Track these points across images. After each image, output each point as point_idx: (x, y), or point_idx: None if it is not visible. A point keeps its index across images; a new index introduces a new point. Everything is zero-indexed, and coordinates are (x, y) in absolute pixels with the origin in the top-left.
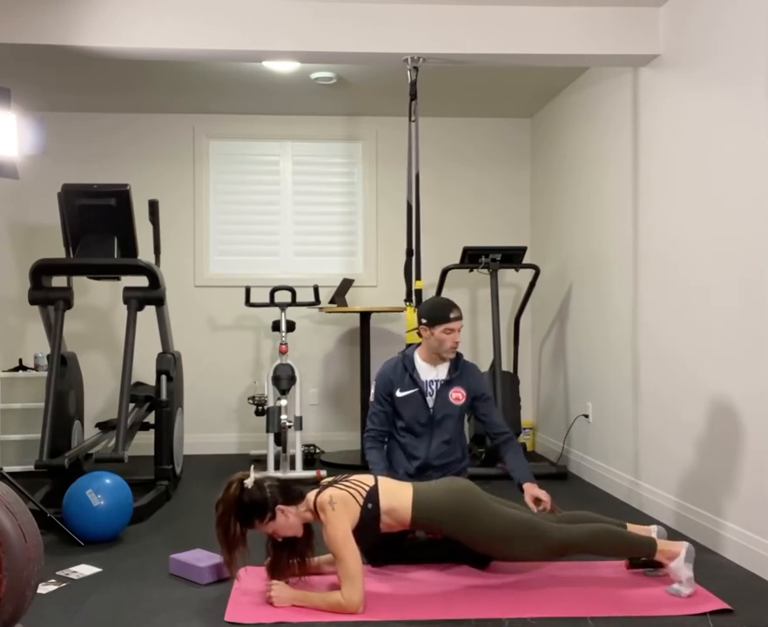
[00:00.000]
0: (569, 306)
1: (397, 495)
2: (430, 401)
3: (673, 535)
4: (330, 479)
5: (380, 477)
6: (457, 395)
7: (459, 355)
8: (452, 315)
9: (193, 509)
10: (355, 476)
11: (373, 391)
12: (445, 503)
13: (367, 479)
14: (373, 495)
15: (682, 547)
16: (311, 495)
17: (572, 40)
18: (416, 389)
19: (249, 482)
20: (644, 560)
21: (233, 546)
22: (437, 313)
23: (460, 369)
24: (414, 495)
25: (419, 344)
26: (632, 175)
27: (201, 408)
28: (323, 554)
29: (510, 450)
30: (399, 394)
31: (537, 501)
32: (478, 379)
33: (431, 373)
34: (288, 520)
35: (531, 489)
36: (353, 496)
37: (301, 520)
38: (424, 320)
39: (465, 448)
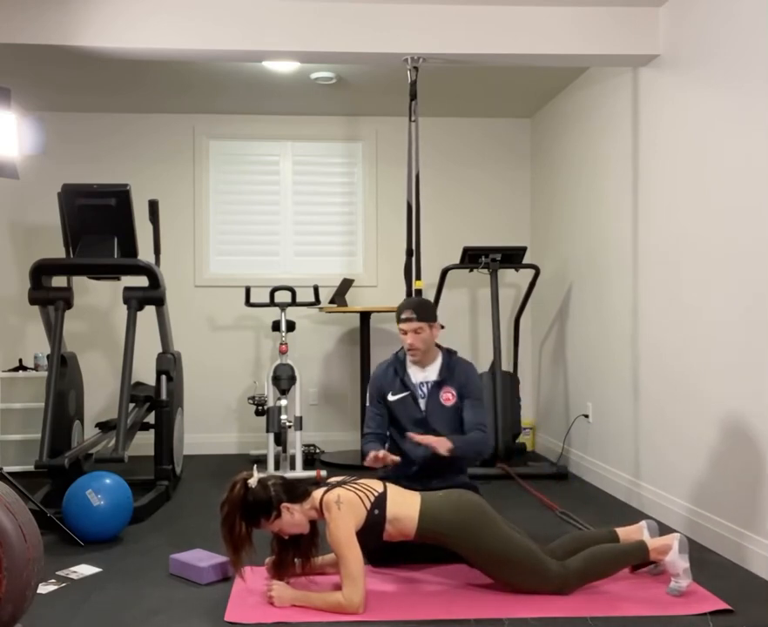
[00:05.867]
0: (569, 306)
1: (404, 505)
2: (422, 403)
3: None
4: (339, 479)
5: (389, 485)
6: (447, 396)
7: (451, 354)
8: (402, 316)
9: (193, 509)
10: (365, 480)
11: (368, 395)
12: (452, 517)
13: (377, 485)
14: (381, 501)
15: (674, 539)
16: (317, 493)
17: (572, 40)
18: (408, 392)
19: (253, 482)
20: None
21: (239, 546)
22: (396, 312)
23: (452, 369)
24: (422, 506)
25: None
26: (632, 175)
27: (201, 408)
28: (327, 553)
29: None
30: (391, 397)
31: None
32: (467, 377)
33: (421, 374)
34: (294, 517)
35: (426, 437)
36: (361, 500)
37: (307, 517)
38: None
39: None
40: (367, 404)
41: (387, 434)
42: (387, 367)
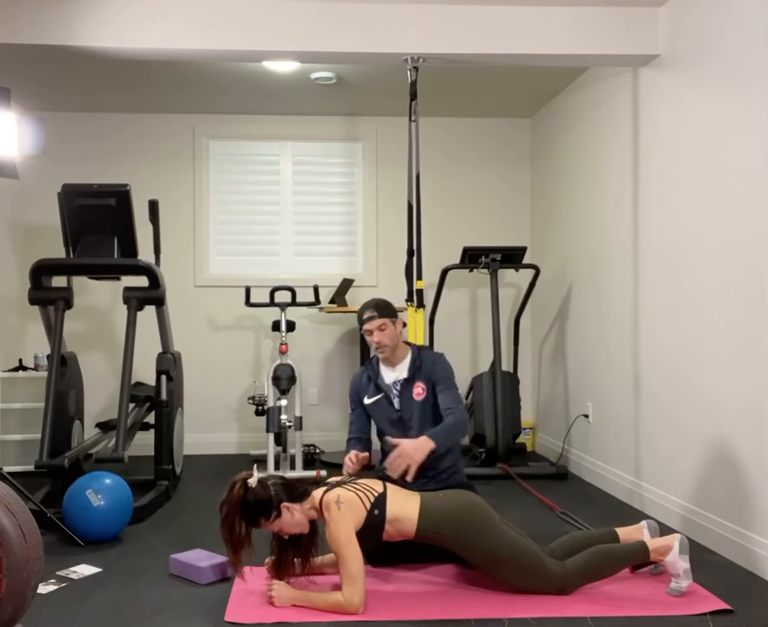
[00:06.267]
0: (569, 306)
1: (404, 506)
2: (396, 402)
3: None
4: (338, 479)
5: (388, 485)
6: (418, 391)
7: (421, 349)
8: (364, 317)
9: (193, 509)
10: (364, 480)
11: (349, 403)
12: (452, 518)
13: (377, 485)
14: (380, 501)
15: (674, 539)
16: (317, 492)
17: (572, 40)
18: (382, 394)
19: (253, 482)
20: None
21: (239, 546)
22: (358, 316)
23: (420, 363)
24: (422, 506)
25: None
26: (632, 175)
27: (201, 408)
28: (327, 553)
29: (444, 419)
30: (366, 401)
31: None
32: (435, 366)
33: (392, 375)
34: (294, 517)
35: (405, 442)
36: (361, 500)
37: (307, 517)
38: None
39: (456, 455)
40: (349, 412)
41: (369, 437)
42: (362, 373)
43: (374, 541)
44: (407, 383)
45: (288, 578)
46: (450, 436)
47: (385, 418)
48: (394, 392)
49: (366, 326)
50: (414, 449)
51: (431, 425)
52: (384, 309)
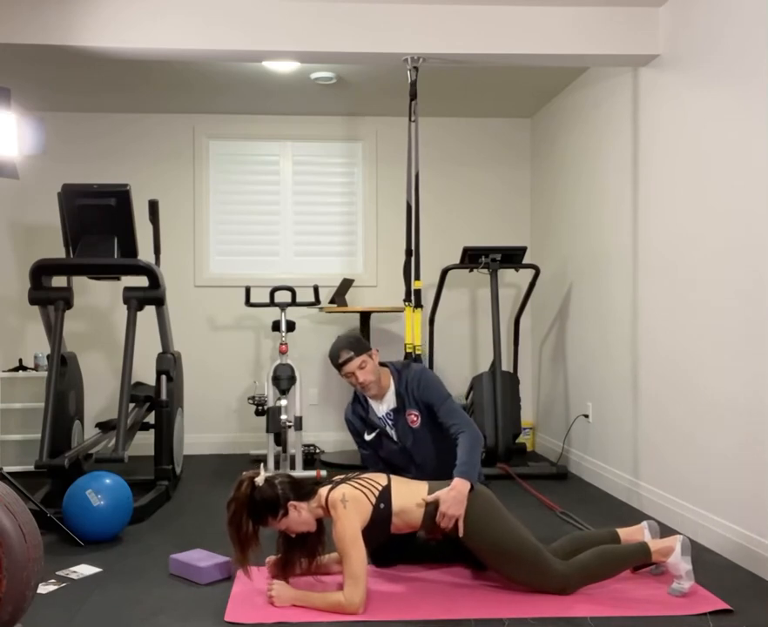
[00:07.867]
0: (569, 306)
1: (410, 496)
2: (393, 433)
3: (673, 535)
4: (342, 476)
5: (393, 477)
6: (412, 418)
7: (400, 372)
8: (341, 360)
9: (193, 509)
10: (368, 474)
11: (353, 438)
12: None
13: (381, 478)
14: (385, 495)
15: (676, 541)
16: (323, 490)
17: (572, 40)
18: (377, 430)
19: (260, 480)
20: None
21: (246, 545)
22: (332, 361)
23: (405, 389)
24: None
25: None
26: (632, 175)
27: (201, 408)
28: (333, 551)
29: (459, 443)
30: (366, 437)
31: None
32: (421, 387)
33: (382, 407)
34: (301, 516)
35: (446, 494)
36: (366, 495)
37: (314, 515)
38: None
39: None
40: (357, 447)
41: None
42: (352, 411)
43: (383, 534)
44: (399, 412)
45: (288, 578)
46: (476, 460)
47: (387, 451)
48: (389, 424)
49: (345, 370)
50: (455, 502)
51: (433, 447)
52: (358, 345)
